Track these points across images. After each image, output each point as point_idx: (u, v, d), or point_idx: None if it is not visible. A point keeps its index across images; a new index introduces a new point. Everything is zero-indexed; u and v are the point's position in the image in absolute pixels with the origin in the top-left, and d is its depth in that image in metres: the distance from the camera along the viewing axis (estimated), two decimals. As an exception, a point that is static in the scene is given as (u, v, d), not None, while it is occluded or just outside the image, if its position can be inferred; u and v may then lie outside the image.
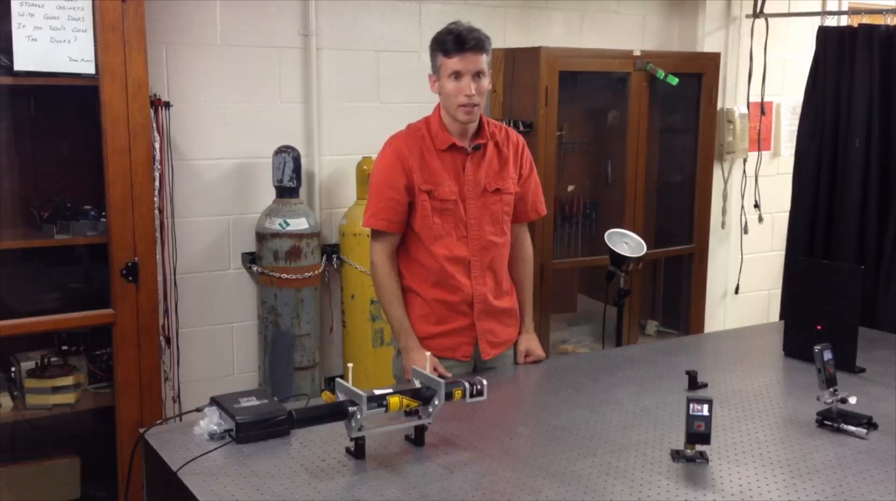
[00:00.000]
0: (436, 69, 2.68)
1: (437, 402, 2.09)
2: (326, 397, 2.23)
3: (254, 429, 2.14)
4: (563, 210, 4.38)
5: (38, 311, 3.10)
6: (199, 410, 2.25)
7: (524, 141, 2.89)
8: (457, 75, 2.61)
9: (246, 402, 2.23)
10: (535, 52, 3.99)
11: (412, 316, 2.76)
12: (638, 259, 3.41)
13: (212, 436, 2.16)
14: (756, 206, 5.10)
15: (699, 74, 4.55)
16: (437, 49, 2.66)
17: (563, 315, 4.70)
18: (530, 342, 2.92)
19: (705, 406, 2.06)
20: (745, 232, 5.10)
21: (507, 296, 2.86)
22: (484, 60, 2.63)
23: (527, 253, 2.96)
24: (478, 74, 2.62)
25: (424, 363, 2.39)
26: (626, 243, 3.32)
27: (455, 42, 2.60)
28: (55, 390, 3.18)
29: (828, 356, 2.33)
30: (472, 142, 2.74)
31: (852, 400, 2.30)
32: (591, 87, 4.51)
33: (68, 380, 3.21)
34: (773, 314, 5.02)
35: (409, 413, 2.15)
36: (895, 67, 3.96)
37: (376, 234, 2.75)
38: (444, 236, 2.72)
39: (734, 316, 5.13)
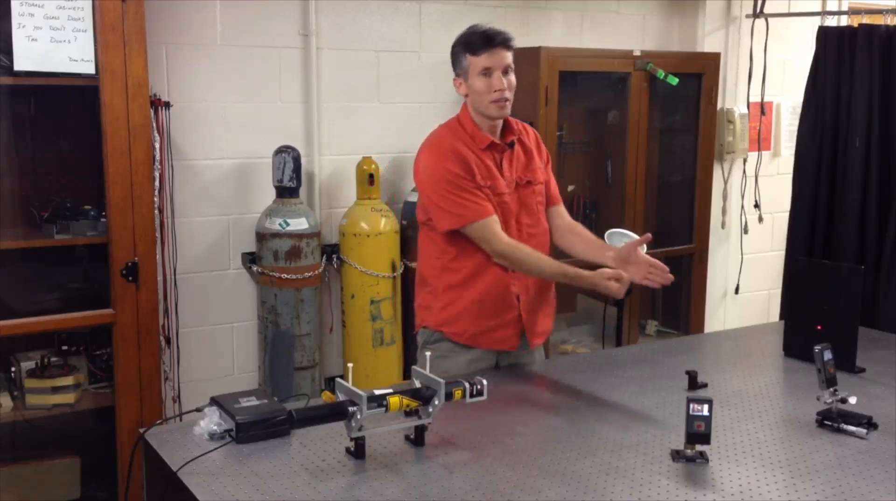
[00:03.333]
0: (462, 71, 2.66)
1: (437, 402, 2.09)
2: (326, 397, 2.23)
3: (254, 429, 2.14)
4: (564, 210, 4.38)
5: (38, 311, 3.10)
6: (199, 410, 2.25)
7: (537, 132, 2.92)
8: (486, 72, 2.61)
9: (246, 402, 2.23)
10: (535, 52, 3.98)
11: (463, 312, 2.71)
12: (638, 259, 3.40)
13: (212, 436, 2.16)
14: (756, 206, 5.10)
15: (699, 74, 4.55)
16: (462, 50, 2.64)
17: (563, 315, 4.68)
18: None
19: (705, 406, 2.06)
20: (745, 232, 5.10)
21: (545, 288, 2.86)
22: (510, 57, 2.64)
23: (574, 224, 2.93)
24: (506, 70, 2.63)
25: (613, 282, 2.59)
26: (626, 242, 3.31)
27: (483, 39, 2.60)
28: (55, 390, 3.19)
29: (828, 356, 2.32)
30: (503, 139, 2.75)
31: (852, 400, 2.30)
32: (591, 87, 4.51)
33: (68, 380, 3.21)
34: (773, 313, 5.02)
35: (409, 413, 2.14)
36: (895, 67, 3.96)
37: (481, 227, 2.61)
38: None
39: (734, 316, 5.13)
